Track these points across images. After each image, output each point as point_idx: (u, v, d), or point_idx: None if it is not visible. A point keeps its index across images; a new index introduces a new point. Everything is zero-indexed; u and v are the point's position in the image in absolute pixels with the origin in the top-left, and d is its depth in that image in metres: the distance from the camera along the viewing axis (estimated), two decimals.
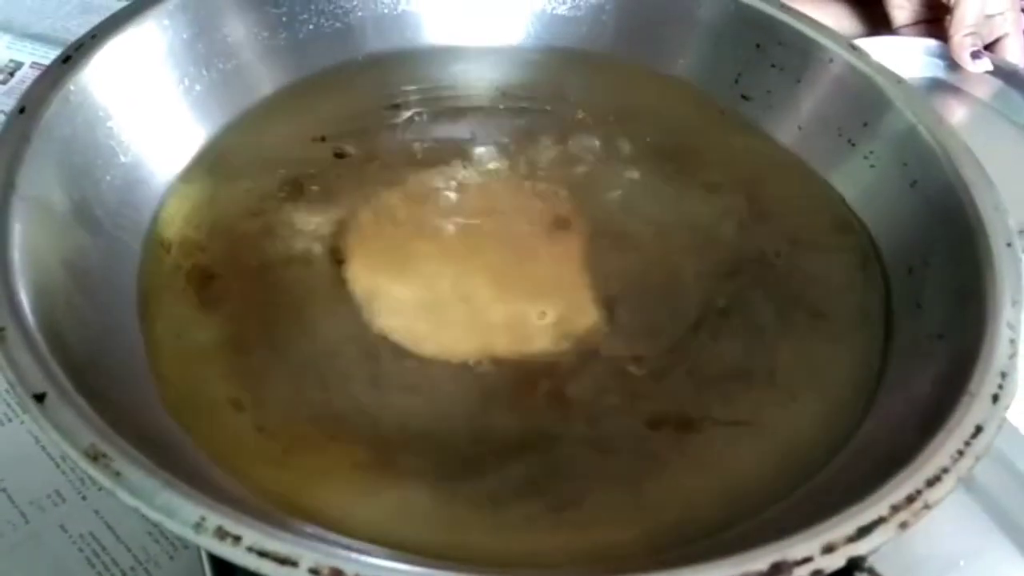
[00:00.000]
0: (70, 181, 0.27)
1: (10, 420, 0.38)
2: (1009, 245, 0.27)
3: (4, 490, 0.36)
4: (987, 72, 0.50)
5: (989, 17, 0.50)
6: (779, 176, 0.35)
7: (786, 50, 0.36)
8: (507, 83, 0.37)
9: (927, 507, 0.20)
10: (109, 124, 0.29)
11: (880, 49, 0.49)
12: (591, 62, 0.38)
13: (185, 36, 0.32)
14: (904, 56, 0.51)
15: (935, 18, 0.52)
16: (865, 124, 0.33)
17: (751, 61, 0.36)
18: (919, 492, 0.21)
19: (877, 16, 0.54)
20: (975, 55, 0.49)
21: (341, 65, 0.36)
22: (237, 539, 0.18)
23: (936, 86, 0.52)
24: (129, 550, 0.34)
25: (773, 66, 0.36)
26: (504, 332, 0.29)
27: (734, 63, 0.37)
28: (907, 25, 0.53)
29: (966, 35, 0.49)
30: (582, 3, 0.38)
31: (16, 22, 0.55)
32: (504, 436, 0.26)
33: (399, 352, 0.28)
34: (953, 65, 0.51)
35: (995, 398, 0.23)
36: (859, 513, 0.20)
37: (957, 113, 0.51)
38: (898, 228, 0.31)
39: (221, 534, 0.18)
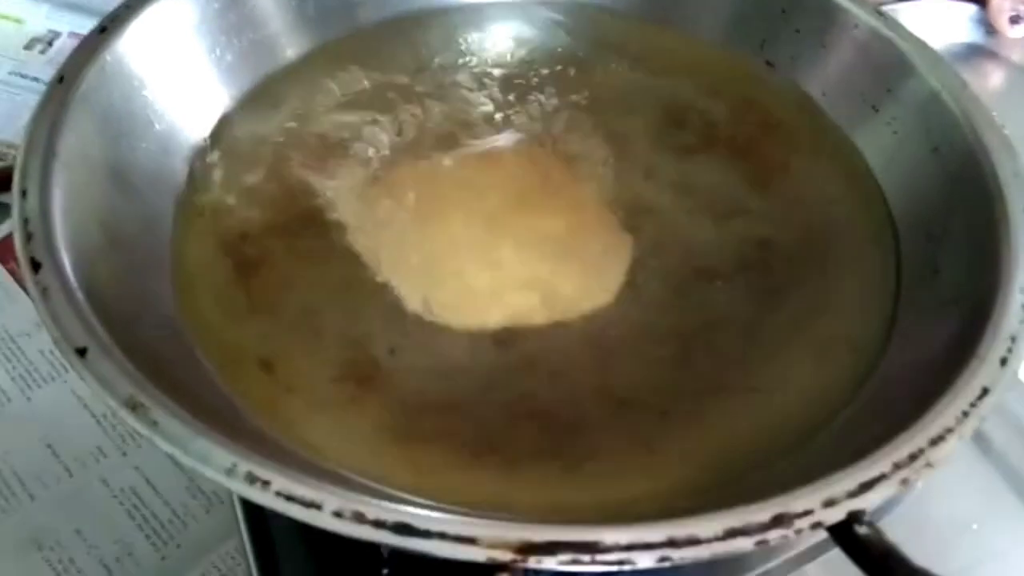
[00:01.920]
0: (108, 148, 0.28)
1: (53, 379, 0.39)
2: None
3: (50, 446, 0.37)
4: None
5: None
6: (801, 138, 0.35)
7: (811, 15, 0.35)
8: (532, 39, 0.37)
9: (929, 465, 0.21)
10: (144, 93, 0.30)
11: (920, 13, 0.49)
12: (616, 21, 0.38)
13: (216, 6, 0.33)
14: (944, 20, 0.50)
15: None
16: (889, 90, 0.33)
17: (776, 26, 0.36)
18: (921, 451, 0.21)
19: None
20: (1014, 20, 0.48)
21: (368, 30, 0.37)
22: (266, 484, 0.19)
23: (975, 51, 0.51)
24: (167, 504, 0.36)
25: (798, 31, 0.36)
26: (519, 295, 0.30)
27: (759, 28, 0.37)
28: None
29: None
30: None
31: None
32: (521, 396, 0.27)
33: (418, 317, 0.29)
34: (993, 30, 0.50)
35: (1003, 361, 0.23)
36: (862, 469, 0.20)
37: (994, 78, 0.50)
38: (919, 194, 0.31)
39: (251, 479, 0.19)
